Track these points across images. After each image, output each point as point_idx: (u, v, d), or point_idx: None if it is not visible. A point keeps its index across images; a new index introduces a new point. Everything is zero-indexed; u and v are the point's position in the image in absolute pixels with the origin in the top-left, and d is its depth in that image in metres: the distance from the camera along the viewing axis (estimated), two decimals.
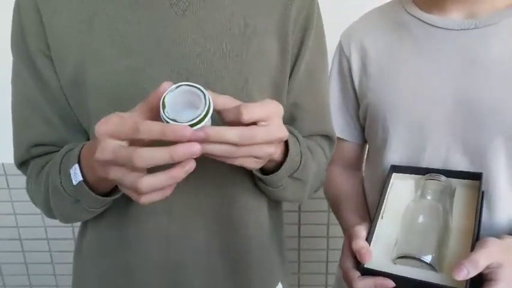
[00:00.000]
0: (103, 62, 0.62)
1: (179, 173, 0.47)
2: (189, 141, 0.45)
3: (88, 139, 0.69)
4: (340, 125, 0.88)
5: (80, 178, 0.57)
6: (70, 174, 0.58)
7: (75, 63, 0.62)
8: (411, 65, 0.76)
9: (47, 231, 1.70)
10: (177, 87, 0.48)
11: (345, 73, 0.85)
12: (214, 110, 0.50)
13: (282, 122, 0.55)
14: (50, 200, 0.64)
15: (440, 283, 0.59)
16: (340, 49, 0.86)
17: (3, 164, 1.59)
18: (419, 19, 0.77)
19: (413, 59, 0.76)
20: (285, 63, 0.69)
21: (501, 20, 0.70)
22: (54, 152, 0.67)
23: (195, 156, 0.46)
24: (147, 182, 0.47)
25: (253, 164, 0.55)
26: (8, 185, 1.63)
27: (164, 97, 0.47)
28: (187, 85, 0.48)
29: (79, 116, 0.67)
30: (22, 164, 0.71)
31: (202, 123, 0.47)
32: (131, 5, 0.62)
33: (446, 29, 0.73)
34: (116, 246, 0.68)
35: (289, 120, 0.74)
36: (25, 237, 1.71)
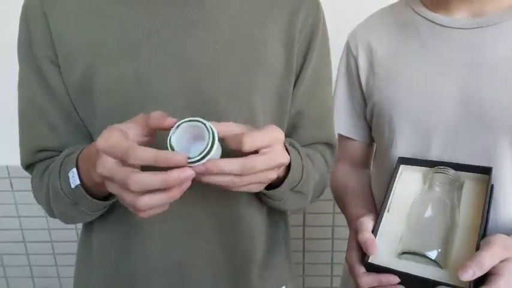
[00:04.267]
0: (112, 66, 0.62)
1: (175, 193, 0.48)
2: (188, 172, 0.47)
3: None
4: (347, 124, 0.88)
5: (78, 182, 0.58)
6: (69, 177, 0.58)
7: (84, 67, 0.63)
8: (417, 64, 0.76)
9: (51, 234, 1.70)
10: (178, 126, 0.49)
11: (352, 73, 0.85)
12: (218, 137, 0.51)
13: (283, 148, 0.56)
14: (51, 201, 0.65)
15: (445, 281, 0.58)
16: (348, 49, 0.86)
17: (7, 166, 1.59)
18: (425, 18, 0.76)
19: (419, 58, 0.76)
20: (289, 71, 0.69)
21: (507, 19, 0.70)
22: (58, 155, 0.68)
23: (188, 181, 0.47)
24: (145, 202, 0.47)
25: (255, 188, 0.57)
26: (12, 188, 1.63)
27: (170, 138, 0.49)
28: (189, 121, 0.50)
29: (85, 120, 0.67)
30: (28, 166, 0.72)
31: (208, 157, 0.48)
32: (141, 9, 0.63)
33: (452, 27, 0.73)
34: (120, 250, 0.68)
35: (292, 128, 0.74)
36: (29, 239, 1.71)
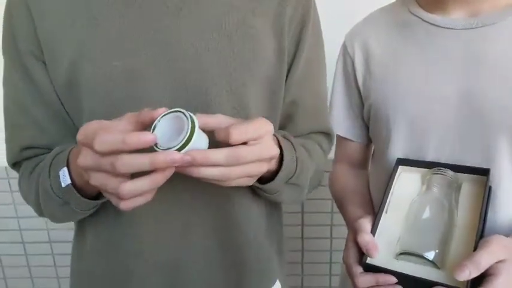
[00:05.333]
0: (97, 62, 0.61)
1: (159, 178, 0.48)
2: (176, 166, 0.47)
3: None
4: (345, 125, 0.88)
5: (69, 181, 0.57)
6: (59, 176, 0.58)
7: (69, 63, 0.62)
8: (414, 64, 0.76)
9: (49, 234, 1.70)
10: (162, 116, 0.49)
11: (350, 73, 0.85)
12: (207, 131, 0.51)
13: (272, 140, 0.55)
14: (40, 201, 0.65)
15: (442, 281, 0.59)
16: (345, 49, 0.87)
17: (5, 167, 1.59)
18: (422, 19, 0.77)
19: (416, 59, 0.76)
20: (281, 61, 0.69)
21: (503, 18, 0.70)
22: (45, 153, 0.67)
23: (175, 165, 0.47)
24: (128, 187, 0.47)
25: (245, 183, 0.56)
26: (10, 188, 1.63)
27: (152, 130, 0.48)
28: (170, 112, 0.49)
29: (73, 117, 0.66)
30: (15, 164, 0.72)
31: (190, 145, 0.47)
32: (126, 4, 0.61)
33: (448, 28, 0.73)
34: (114, 248, 0.68)
35: (287, 119, 0.74)
36: (28, 240, 1.71)
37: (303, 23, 0.70)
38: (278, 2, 0.68)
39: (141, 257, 0.67)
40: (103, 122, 0.49)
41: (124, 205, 0.49)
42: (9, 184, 1.62)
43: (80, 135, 0.49)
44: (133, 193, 0.48)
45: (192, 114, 0.48)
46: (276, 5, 0.67)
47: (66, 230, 1.65)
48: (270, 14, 0.67)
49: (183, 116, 0.48)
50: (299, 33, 0.70)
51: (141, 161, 0.46)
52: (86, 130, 0.48)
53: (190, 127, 0.47)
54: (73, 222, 0.73)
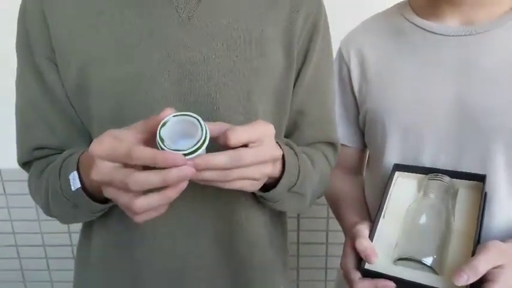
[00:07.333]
0: (107, 67, 0.62)
1: (172, 193, 0.48)
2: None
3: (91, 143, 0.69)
4: (340, 130, 0.88)
5: (78, 185, 0.58)
6: (69, 180, 0.58)
7: (79, 67, 0.62)
8: (409, 70, 0.76)
9: (43, 238, 1.68)
10: (174, 116, 0.49)
11: (345, 79, 0.86)
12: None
13: (273, 141, 0.55)
14: (49, 202, 0.65)
15: (440, 287, 0.59)
16: (340, 56, 0.87)
17: None
18: (417, 25, 0.77)
19: (411, 65, 0.76)
20: (290, 69, 0.69)
21: (498, 26, 0.71)
22: (56, 154, 0.68)
23: (187, 179, 0.47)
24: (141, 203, 0.48)
25: (250, 187, 0.55)
26: (4, 191, 1.61)
27: (162, 126, 0.48)
28: (184, 115, 0.49)
29: (84, 119, 0.67)
30: (25, 164, 0.72)
31: (197, 153, 0.47)
32: (137, 10, 0.62)
33: (443, 35, 0.74)
34: (121, 253, 0.68)
35: (293, 127, 0.74)
36: (21, 243, 1.70)
37: (313, 32, 0.70)
38: (289, 11, 0.68)
39: (147, 261, 0.67)
40: (114, 132, 0.49)
41: (138, 218, 0.50)
42: (3, 187, 1.61)
43: (97, 149, 0.48)
44: (146, 208, 0.48)
45: (202, 121, 0.49)
46: (287, 14, 0.68)
47: (61, 234, 1.64)
48: (281, 23, 0.67)
49: (197, 122, 0.49)
50: (308, 43, 0.70)
51: (154, 178, 0.46)
52: (103, 144, 0.48)
53: (204, 136, 0.48)
54: (72, 225, 0.73)
